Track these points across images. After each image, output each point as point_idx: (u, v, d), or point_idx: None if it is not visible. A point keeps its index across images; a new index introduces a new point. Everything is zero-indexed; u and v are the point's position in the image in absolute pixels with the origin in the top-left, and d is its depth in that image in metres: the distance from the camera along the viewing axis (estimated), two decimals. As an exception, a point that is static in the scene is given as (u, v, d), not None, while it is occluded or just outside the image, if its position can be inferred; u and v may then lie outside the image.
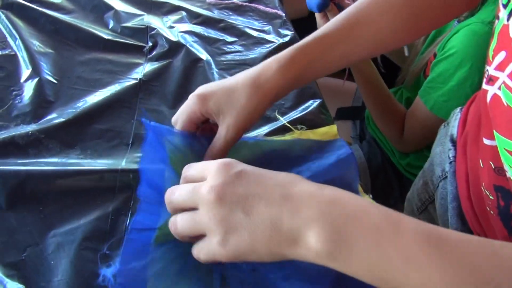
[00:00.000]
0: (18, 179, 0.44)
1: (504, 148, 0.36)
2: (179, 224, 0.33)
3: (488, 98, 0.38)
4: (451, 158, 0.56)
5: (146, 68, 0.61)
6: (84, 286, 0.38)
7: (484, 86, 0.39)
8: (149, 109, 0.56)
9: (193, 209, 0.33)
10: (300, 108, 0.59)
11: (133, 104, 0.56)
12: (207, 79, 0.61)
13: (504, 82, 0.35)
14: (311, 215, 0.30)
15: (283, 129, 0.54)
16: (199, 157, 0.43)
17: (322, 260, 0.29)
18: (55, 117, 0.52)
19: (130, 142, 0.51)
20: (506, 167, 0.37)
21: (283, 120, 0.54)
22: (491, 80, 0.37)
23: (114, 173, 0.47)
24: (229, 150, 0.43)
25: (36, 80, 0.56)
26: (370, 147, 1.05)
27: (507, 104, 0.35)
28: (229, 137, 0.41)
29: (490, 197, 0.41)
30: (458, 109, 0.60)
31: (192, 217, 0.33)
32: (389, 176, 1.01)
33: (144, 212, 0.40)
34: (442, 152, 0.60)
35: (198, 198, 0.32)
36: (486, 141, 0.40)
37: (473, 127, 0.49)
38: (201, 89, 0.42)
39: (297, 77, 0.43)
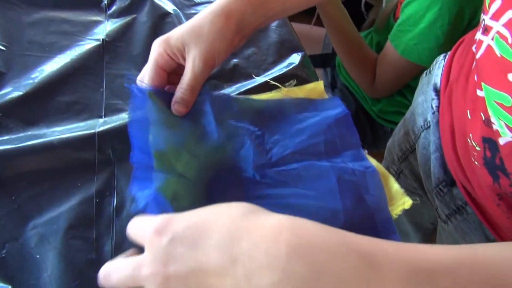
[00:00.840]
0: (-21, 166, 0.39)
1: (494, 100, 0.35)
2: None
3: (482, 49, 0.37)
4: (435, 108, 0.55)
5: (107, 26, 0.54)
6: (78, 277, 0.35)
7: (480, 36, 0.37)
8: (117, 75, 0.50)
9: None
10: (284, 64, 0.55)
11: (98, 70, 0.50)
12: (178, 36, 0.56)
13: (498, 32, 0.33)
14: (272, 278, 0.24)
15: (266, 86, 0.51)
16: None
17: None
18: (10, 91, 0.45)
19: (103, 114, 0.46)
20: (493, 119, 0.37)
21: (268, 80, 0.50)
22: (486, 30, 0.36)
23: (90, 148, 0.42)
24: (219, 109, 0.41)
25: (-21, 48, 0.48)
26: (343, 95, 1.04)
27: (500, 54, 0.33)
28: (196, 68, 0.38)
29: (477, 148, 0.42)
30: (441, 57, 0.59)
31: None
32: (362, 123, 1.02)
33: (139, 179, 0.37)
34: (424, 101, 0.59)
35: (142, 279, 0.28)
36: (479, 93, 0.40)
37: (460, 77, 0.48)
38: (167, 33, 0.41)
39: (260, 1, 0.42)
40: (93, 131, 0.43)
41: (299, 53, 0.57)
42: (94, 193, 0.40)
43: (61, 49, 0.51)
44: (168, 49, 0.39)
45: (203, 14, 0.41)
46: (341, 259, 0.25)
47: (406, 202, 0.41)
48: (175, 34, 0.40)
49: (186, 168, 0.39)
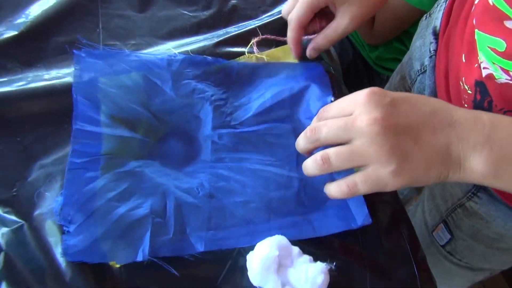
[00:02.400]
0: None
1: (487, 46, 0.36)
2: (334, 158, 0.33)
3: None
4: (432, 52, 0.55)
5: (100, -37, 0.52)
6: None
7: None
8: (114, 15, 0.49)
9: (343, 143, 0.33)
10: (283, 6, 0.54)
11: (93, 10, 0.48)
12: (175, -25, 0.53)
13: None
14: (477, 140, 0.31)
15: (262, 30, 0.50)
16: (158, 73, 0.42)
17: (486, 180, 0.32)
18: (3, 31, 0.44)
19: (101, 55, 0.45)
20: (487, 64, 0.37)
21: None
22: None
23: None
24: (181, 69, 0.43)
25: (-35, -16, 0.46)
26: (341, 43, 1.02)
27: (492, 3, 0.35)
28: (349, 29, 0.41)
29: (469, 91, 0.43)
30: (442, 0, 0.58)
31: (351, 150, 0.32)
32: (360, 70, 1.01)
33: (82, 139, 0.38)
34: (422, 45, 0.59)
35: (354, 131, 0.32)
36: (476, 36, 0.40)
37: (460, 20, 0.48)
38: None
39: None
40: (93, 73, 0.43)
41: (299, -5, 0.55)
42: (98, 135, 0.40)
43: (53, -13, 0.48)
44: None
45: None
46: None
47: None
48: None
49: (134, 126, 0.40)
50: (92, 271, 0.34)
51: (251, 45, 0.48)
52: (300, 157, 0.39)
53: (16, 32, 0.44)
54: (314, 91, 0.45)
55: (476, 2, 0.39)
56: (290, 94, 0.44)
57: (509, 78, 0.36)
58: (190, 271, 0.35)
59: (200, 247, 0.35)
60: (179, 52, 0.45)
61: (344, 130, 0.33)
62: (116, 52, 0.43)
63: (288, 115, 0.43)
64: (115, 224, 0.35)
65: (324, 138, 0.34)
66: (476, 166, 0.32)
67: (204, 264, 0.36)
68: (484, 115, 0.33)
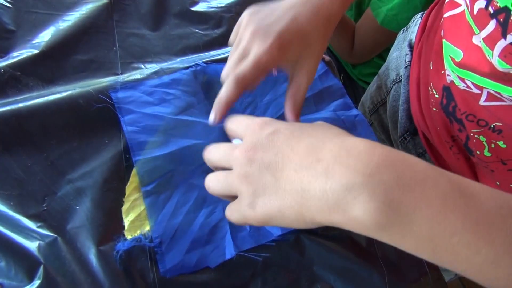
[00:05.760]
0: (6, 121, 0.39)
1: (449, 55, 0.40)
2: (211, 183, 0.32)
3: (455, 11, 0.41)
4: (407, 62, 0.60)
5: (112, -17, 0.53)
6: (118, 226, 0.38)
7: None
8: (128, 33, 0.50)
9: (228, 169, 0.32)
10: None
11: (109, 28, 0.50)
12: (184, -5, 0.56)
13: (465, 1, 0.38)
14: (353, 180, 0.24)
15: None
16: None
17: (370, 232, 0.25)
18: (25, 50, 0.45)
19: (119, 72, 0.47)
20: (449, 71, 0.41)
21: None
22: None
23: (113, 105, 0.43)
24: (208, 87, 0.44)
25: (-16, 4, 0.46)
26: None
27: (467, 20, 0.38)
28: (309, 84, 0.38)
29: (436, 95, 0.47)
30: (419, 15, 0.63)
31: (225, 178, 0.31)
32: (345, 83, 1.06)
33: (146, 168, 0.40)
34: (398, 57, 0.64)
35: (231, 159, 0.31)
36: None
37: (431, 32, 0.53)
38: (278, 36, 0.36)
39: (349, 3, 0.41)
40: (113, 88, 0.44)
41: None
42: (122, 150, 0.41)
43: (68, 7, 0.50)
44: (280, 61, 0.37)
45: (313, 24, 0.37)
46: (432, 180, 0.25)
47: None
48: (291, 46, 0.36)
49: (187, 134, 0.42)
50: (127, 281, 0.35)
51: None
52: None
53: (37, 51, 0.45)
54: (328, 90, 0.49)
55: (446, 15, 0.43)
56: (312, 93, 0.48)
57: (465, 86, 0.39)
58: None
59: (276, 232, 0.38)
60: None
61: (225, 156, 0.32)
62: (145, 82, 0.45)
63: (314, 108, 0.48)
64: (198, 233, 0.37)
65: (212, 160, 0.33)
66: (355, 214, 0.24)
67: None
68: (378, 149, 0.26)
